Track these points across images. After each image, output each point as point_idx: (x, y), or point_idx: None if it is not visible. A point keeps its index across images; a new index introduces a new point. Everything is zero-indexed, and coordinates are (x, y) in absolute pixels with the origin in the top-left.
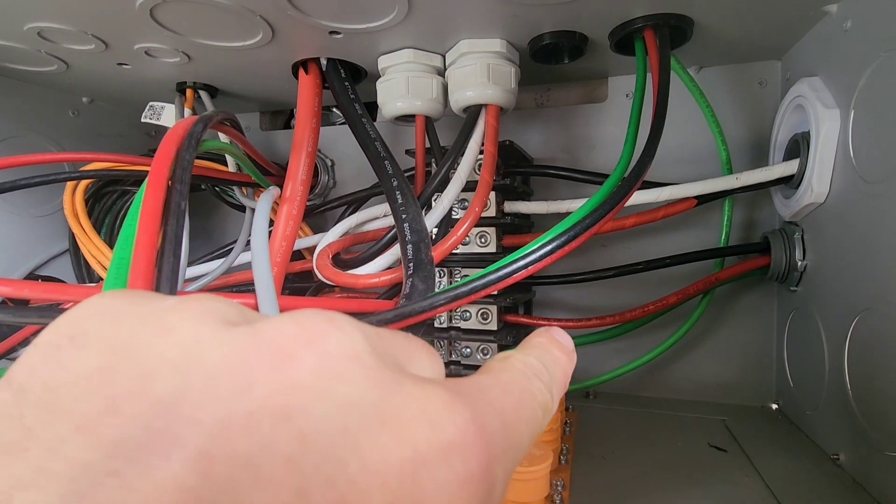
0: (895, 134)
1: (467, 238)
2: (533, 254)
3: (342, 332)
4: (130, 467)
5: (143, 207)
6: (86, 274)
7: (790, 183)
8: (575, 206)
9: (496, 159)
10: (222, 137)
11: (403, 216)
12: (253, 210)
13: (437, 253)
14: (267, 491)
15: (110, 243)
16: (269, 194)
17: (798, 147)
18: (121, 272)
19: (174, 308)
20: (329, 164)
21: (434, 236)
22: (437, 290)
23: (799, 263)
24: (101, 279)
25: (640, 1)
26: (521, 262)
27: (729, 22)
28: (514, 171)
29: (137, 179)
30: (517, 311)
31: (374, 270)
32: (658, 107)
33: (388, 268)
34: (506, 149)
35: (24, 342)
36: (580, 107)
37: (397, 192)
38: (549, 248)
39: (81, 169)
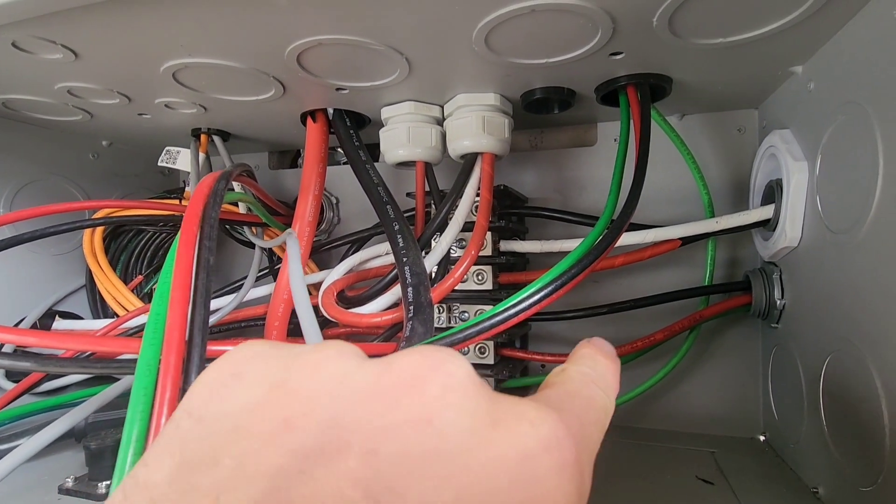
0: (853, 191)
1: (466, 276)
2: (521, 303)
3: (457, 359)
4: (315, 467)
5: (177, 265)
6: (100, 309)
7: (767, 226)
8: (566, 245)
9: (491, 204)
10: (237, 187)
11: (404, 259)
12: (262, 249)
13: (437, 293)
14: (421, 477)
15: (125, 280)
16: (293, 238)
17: (773, 193)
18: (158, 326)
19: (315, 350)
20: (334, 201)
21: (434, 274)
22: (435, 329)
23: (778, 302)
24: (116, 315)
25: (622, 63)
26: (508, 313)
27: (705, 79)
28: (510, 212)
29: (151, 221)
30: (513, 346)
31: (375, 310)
32: (639, 160)
33: (390, 307)
34: (500, 192)
35: (43, 379)
36: (571, 150)
37: (399, 236)
38: (535, 297)
39: (96, 216)
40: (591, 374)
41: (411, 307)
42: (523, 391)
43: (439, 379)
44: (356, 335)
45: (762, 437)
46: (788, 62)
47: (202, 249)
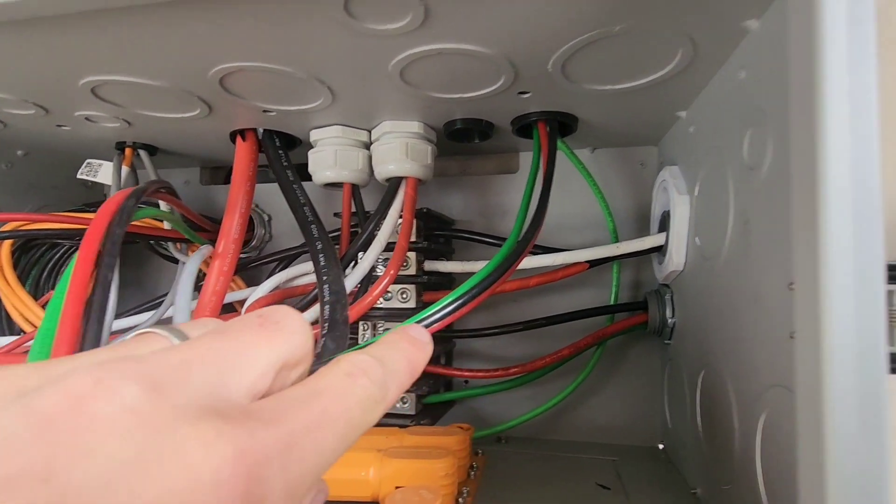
0: (716, 223)
1: (390, 294)
2: (431, 317)
3: (110, 391)
4: None
5: (72, 280)
6: (6, 327)
7: (661, 251)
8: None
9: (412, 226)
10: (163, 204)
11: (324, 277)
12: (184, 265)
13: (355, 311)
14: None
15: (35, 295)
16: (200, 253)
17: (666, 222)
18: (46, 342)
19: None
20: (266, 218)
21: (357, 291)
22: (347, 347)
23: (669, 321)
24: (24, 332)
25: (531, 101)
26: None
27: (606, 118)
28: (435, 234)
29: (65, 235)
30: (438, 362)
31: None
32: (543, 189)
33: (312, 323)
34: (423, 215)
35: None
36: (496, 176)
37: (321, 255)
38: (440, 314)
39: (4, 229)
40: (364, 363)
41: (326, 324)
42: (445, 406)
43: (74, 420)
44: None
45: (661, 446)
46: (675, 108)
47: (101, 266)
